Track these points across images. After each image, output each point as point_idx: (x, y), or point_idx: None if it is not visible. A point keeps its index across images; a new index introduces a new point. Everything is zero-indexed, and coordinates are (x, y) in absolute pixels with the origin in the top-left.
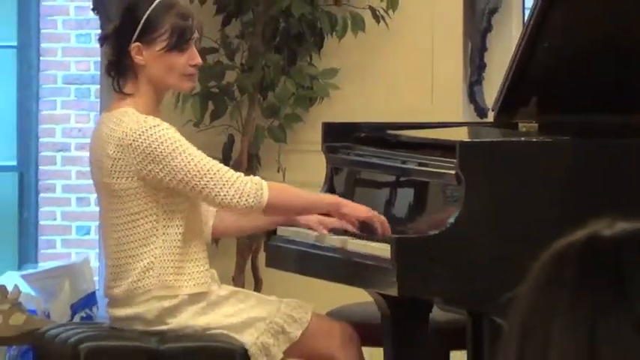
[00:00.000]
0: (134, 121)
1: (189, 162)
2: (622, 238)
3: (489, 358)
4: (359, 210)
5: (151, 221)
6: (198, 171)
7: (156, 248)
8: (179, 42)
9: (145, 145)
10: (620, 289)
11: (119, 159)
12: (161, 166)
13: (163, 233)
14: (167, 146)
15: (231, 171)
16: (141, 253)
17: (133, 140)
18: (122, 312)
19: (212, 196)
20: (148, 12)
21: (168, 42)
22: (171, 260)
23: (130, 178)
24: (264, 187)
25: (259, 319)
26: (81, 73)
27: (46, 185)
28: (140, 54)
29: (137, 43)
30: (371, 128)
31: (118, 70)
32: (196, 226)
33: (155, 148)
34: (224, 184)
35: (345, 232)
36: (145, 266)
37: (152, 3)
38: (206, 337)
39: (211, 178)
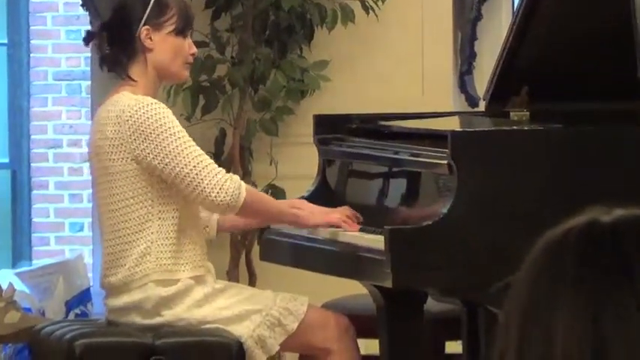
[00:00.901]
0: (131, 99)
1: (177, 146)
2: (621, 224)
3: (485, 348)
4: (318, 220)
5: (145, 206)
6: (185, 157)
7: (152, 233)
8: (185, 26)
9: (140, 121)
10: (622, 272)
11: (116, 138)
12: (152, 145)
13: (159, 218)
14: (160, 125)
15: (214, 164)
16: (137, 239)
17: (130, 117)
18: (119, 301)
19: (192, 186)
20: None
21: (176, 25)
22: (169, 245)
23: (125, 160)
24: (242, 188)
25: (255, 311)
26: (71, 70)
27: (38, 182)
28: (149, 37)
29: (146, 27)
30: (362, 119)
31: (126, 55)
32: (193, 211)
33: (149, 125)
34: (205, 177)
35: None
36: (141, 252)
37: None
38: (201, 332)
39: (195, 166)
